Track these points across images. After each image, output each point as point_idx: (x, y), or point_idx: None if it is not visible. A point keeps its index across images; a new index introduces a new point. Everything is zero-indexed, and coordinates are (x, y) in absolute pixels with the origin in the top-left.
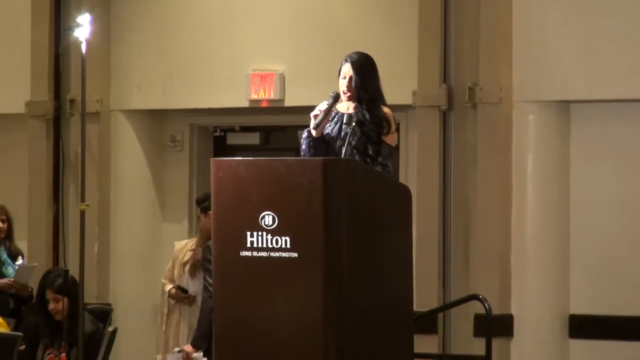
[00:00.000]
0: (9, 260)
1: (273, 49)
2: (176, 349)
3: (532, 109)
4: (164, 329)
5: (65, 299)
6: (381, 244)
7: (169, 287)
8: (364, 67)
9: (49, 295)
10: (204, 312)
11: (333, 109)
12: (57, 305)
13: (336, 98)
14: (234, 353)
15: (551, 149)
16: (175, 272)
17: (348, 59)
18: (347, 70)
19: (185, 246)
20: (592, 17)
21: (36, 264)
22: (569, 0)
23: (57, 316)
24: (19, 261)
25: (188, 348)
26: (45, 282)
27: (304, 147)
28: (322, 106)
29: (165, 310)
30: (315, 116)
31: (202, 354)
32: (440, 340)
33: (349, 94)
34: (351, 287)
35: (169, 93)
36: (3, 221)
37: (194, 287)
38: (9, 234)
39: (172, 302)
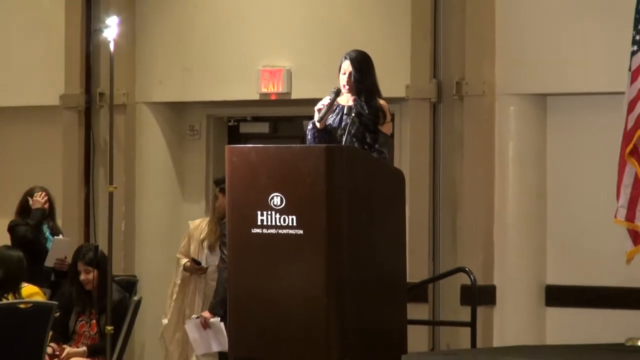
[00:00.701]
0: (51, 237)
1: (281, 47)
2: (194, 315)
3: (512, 101)
4: (174, 298)
5: (95, 271)
6: (377, 221)
7: (184, 260)
8: (362, 64)
9: (81, 267)
10: (220, 282)
11: (334, 102)
12: (87, 276)
13: (337, 93)
14: (246, 318)
15: (529, 136)
16: (192, 248)
17: (347, 56)
18: (347, 66)
19: (199, 224)
20: (566, 18)
21: (69, 239)
22: (546, 3)
23: (87, 286)
24: (60, 237)
25: (206, 314)
26: (78, 255)
27: (309, 137)
28: (325, 101)
29: (178, 281)
30: (319, 110)
31: (219, 319)
32: (430, 308)
33: (348, 87)
34: (350, 261)
35: (188, 87)
36: (45, 202)
37: (211, 261)
38: (51, 214)
39: (187, 274)
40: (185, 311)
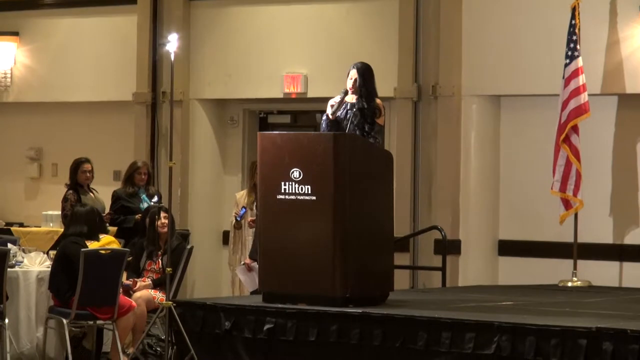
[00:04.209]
0: (146, 199)
1: (300, 58)
2: (241, 262)
3: (474, 101)
4: (234, 251)
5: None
6: (372, 190)
7: (233, 221)
8: (365, 72)
9: (162, 214)
10: (256, 234)
11: (343, 100)
12: (165, 220)
13: (345, 93)
14: (272, 262)
15: (487, 128)
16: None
17: (355, 66)
18: (354, 73)
19: (242, 195)
20: (517, 36)
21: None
22: (501, 25)
23: (164, 229)
24: (155, 198)
25: (247, 260)
26: (146, 212)
27: (323, 126)
28: (337, 99)
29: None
30: (332, 105)
31: (256, 263)
32: (411, 256)
33: (352, 89)
34: (351, 220)
35: (229, 87)
36: (144, 173)
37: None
38: (149, 182)
39: (237, 231)
40: (240, 259)
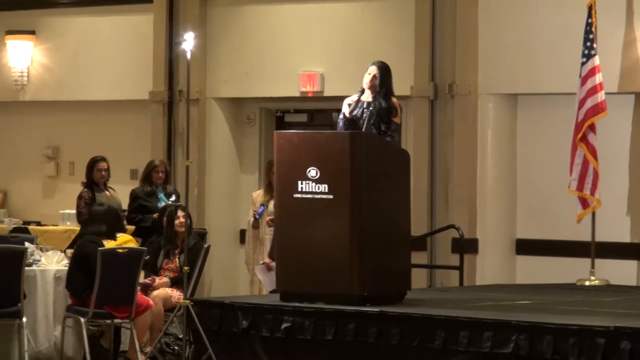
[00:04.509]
0: (164, 198)
1: (316, 57)
2: (260, 261)
3: (491, 99)
4: (252, 250)
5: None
6: (388, 189)
7: (251, 219)
8: (384, 71)
9: (180, 213)
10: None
11: (360, 99)
12: (182, 220)
13: (362, 91)
14: (289, 261)
15: (504, 126)
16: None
17: (375, 63)
18: (373, 70)
19: (259, 194)
20: (533, 35)
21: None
22: (518, 23)
23: (181, 228)
24: (172, 198)
25: (267, 259)
26: (163, 211)
27: (340, 124)
28: (354, 97)
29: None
30: (349, 104)
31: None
32: (428, 255)
33: (370, 85)
34: (368, 218)
35: (246, 86)
36: (162, 172)
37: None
38: (166, 180)
39: (255, 230)
40: (258, 259)
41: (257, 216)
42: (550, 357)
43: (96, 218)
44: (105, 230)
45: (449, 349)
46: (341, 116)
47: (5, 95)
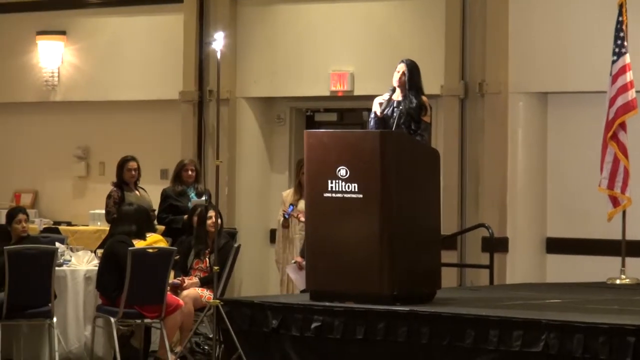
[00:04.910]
0: (195, 198)
1: (346, 56)
2: (292, 261)
3: (521, 98)
4: (282, 249)
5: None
6: (418, 188)
7: (280, 219)
8: (413, 68)
9: (211, 213)
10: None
11: (391, 98)
12: (213, 219)
13: (393, 90)
14: (319, 260)
15: (534, 125)
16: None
17: (404, 61)
18: (402, 67)
19: (289, 193)
20: (564, 33)
21: (205, 201)
22: (549, 18)
23: (212, 227)
24: (203, 197)
25: (298, 258)
26: (194, 211)
27: (371, 124)
28: (385, 96)
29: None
30: (381, 103)
31: None
32: (458, 254)
33: (399, 83)
34: (398, 217)
35: (276, 85)
36: (192, 170)
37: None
38: (197, 180)
39: (285, 230)
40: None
41: (286, 215)
42: (580, 356)
43: (126, 218)
44: (135, 230)
45: (479, 347)
46: (372, 115)
47: (36, 95)
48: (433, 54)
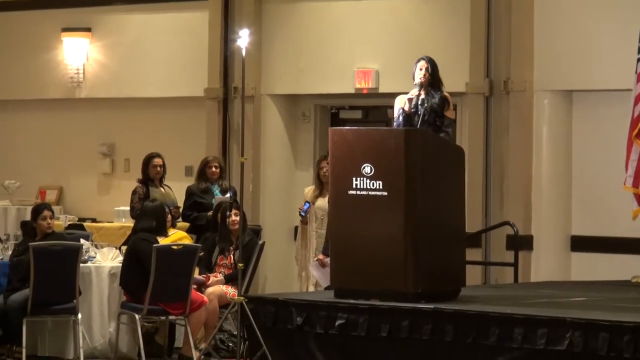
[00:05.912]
0: (219, 194)
1: (372, 54)
2: (314, 258)
3: (546, 96)
4: (300, 246)
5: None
6: (443, 185)
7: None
8: (433, 64)
9: (232, 211)
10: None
11: (420, 94)
12: (236, 217)
13: (420, 87)
14: (344, 257)
15: (559, 123)
16: None
17: (424, 58)
18: (423, 64)
19: (310, 190)
20: (590, 31)
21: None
22: (574, 19)
23: (235, 226)
24: (228, 194)
25: (321, 256)
26: (218, 209)
27: (400, 120)
28: (414, 92)
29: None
30: (410, 100)
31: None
32: (483, 252)
33: (423, 79)
34: (423, 215)
35: (301, 83)
36: (216, 167)
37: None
38: (221, 176)
39: (304, 226)
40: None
41: (302, 213)
42: (605, 354)
43: (147, 214)
44: (155, 226)
45: (503, 345)
46: (401, 111)
47: (61, 92)
48: (458, 51)
